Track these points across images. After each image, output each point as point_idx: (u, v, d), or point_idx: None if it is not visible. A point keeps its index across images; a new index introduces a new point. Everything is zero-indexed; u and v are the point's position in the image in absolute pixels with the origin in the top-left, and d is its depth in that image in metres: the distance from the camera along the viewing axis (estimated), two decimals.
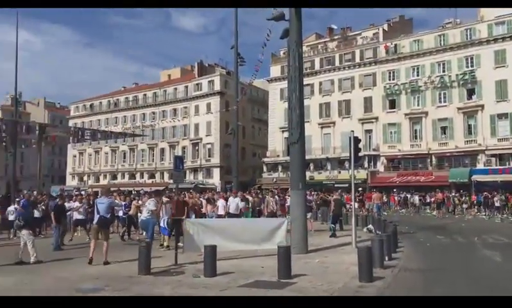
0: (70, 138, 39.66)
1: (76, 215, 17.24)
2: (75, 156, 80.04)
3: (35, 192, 27.73)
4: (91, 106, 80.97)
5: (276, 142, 59.06)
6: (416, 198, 39.56)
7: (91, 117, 79.28)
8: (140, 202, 18.27)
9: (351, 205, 17.54)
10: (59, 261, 12.21)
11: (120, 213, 18.49)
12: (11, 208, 17.75)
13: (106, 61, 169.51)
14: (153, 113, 71.84)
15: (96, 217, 11.88)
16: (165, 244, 14.15)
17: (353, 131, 15.59)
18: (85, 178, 77.73)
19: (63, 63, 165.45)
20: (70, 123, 75.57)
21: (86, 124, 74.14)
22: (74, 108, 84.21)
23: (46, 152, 71.78)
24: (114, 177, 73.92)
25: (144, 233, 15.34)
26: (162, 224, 14.44)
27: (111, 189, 36.57)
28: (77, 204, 19.31)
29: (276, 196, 22.48)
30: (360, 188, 36.88)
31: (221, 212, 18.53)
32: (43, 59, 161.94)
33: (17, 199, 20.97)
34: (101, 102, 79.85)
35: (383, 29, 55.60)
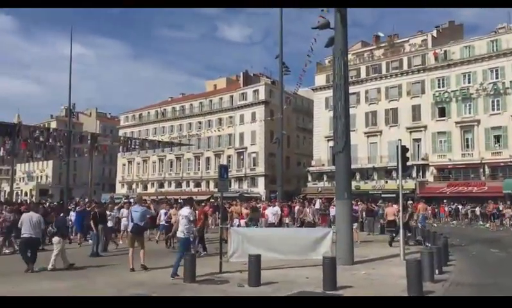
0: (120, 147, 40.82)
1: (109, 223, 17.30)
2: (124, 164, 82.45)
3: (86, 200, 28.72)
4: (139, 116, 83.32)
5: (321, 151, 58.54)
6: (477, 209, 37.66)
7: (139, 126, 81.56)
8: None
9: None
10: (103, 267, 12.50)
11: (163, 221, 19.01)
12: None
13: (153, 73, 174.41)
14: (199, 122, 73.03)
15: (130, 225, 12.17)
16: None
17: (400, 139, 15.19)
18: (134, 186, 79.85)
19: (114, 74, 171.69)
20: (120, 133, 77.88)
21: (135, 134, 76.26)
22: (124, 118, 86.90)
23: (97, 161, 74.29)
24: (161, 185, 75.53)
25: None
26: None
27: (160, 198, 37.33)
28: (125, 212, 19.91)
29: (313, 206, 22.19)
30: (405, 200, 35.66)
31: (271, 220, 18.60)
32: (95, 72, 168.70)
33: (72, 206, 21.85)
34: (149, 113, 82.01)
35: (432, 36, 54.20)
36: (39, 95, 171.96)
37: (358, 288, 9.19)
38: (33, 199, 68.26)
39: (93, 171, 38.36)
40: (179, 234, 11.16)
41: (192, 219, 12.17)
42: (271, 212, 19.25)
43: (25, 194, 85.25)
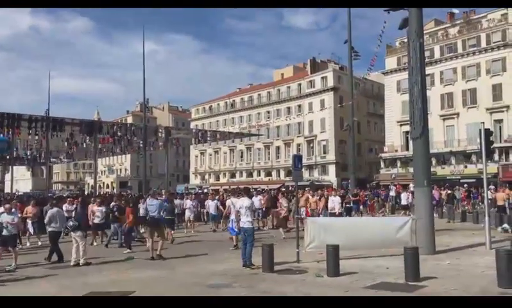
0: (193, 139, 42.05)
1: (96, 220, 15.99)
2: (197, 156, 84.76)
3: (163, 191, 29.90)
4: (210, 108, 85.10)
5: (394, 136, 56.74)
6: None
7: (210, 118, 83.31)
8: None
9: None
10: (181, 258, 12.66)
11: (211, 211, 20.13)
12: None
13: (222, 65, 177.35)
14: (268, 112, 73.33)
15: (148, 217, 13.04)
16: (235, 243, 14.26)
17: (483, 122, 14.38)
18: (206, 176, 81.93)
19: (184, 68, 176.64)
20: (192, 125, 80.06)
21: (206, 126, 78.07)
22: (195, 111, 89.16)
23: (172, 153, 76.88)
24: (233, 175, 76.89)
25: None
26: (230, 225, 14.62)
27: (232, 187, 38.08)
28: (189, 202, 20.82)
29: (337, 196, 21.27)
30: (465, 185, 33.62)
31: (337, 209, 18.46)
32: (167, 67, 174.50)
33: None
34: (218, 104, 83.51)
35: None
36: (115, 92, 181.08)
37: (443, 279, 8.84)
38: (114, 190, 72.17)
39: (168, 163, 39.79)
40: (246, 224, 10.90)
41: (254, 209, 12.04)
42: (338, 202, 19.03)
43: (107, 187, 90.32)
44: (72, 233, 12.19)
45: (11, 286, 9.49)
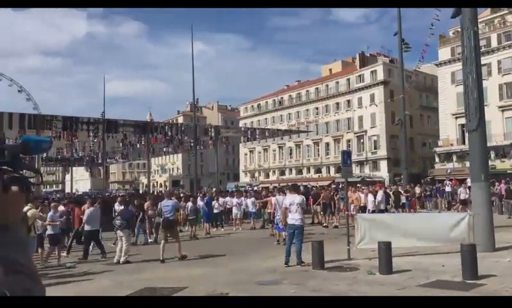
0: (242, 137, 42.44)
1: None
2: (246, 154, 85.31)
3: (214, 189, 30.38)
4: (258, 106, 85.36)
5: (449, 129, 54.69)
6: None
7: (258, 116, 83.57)
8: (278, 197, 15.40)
9: None
10: (226, 256, 12.68)
11: (249, 208, 20.51)
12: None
13: (269, 62, 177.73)
14: (316, 108, 72.65)
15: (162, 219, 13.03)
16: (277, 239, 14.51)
17: None
18: (256, 174, 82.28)
19: (232, 67, 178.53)
20: (240, 123, 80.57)
21: (255, 124, 78.35)
22: (243, 109, 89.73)
23: (221, 151, 77.87)
24: (282, 173, 76.79)
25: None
26: (276, 222, 14.64)
27: (282, 185, 38.08)
28: (234, 201, 21.07)
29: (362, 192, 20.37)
30: None
31: (369, 206, 18.15)
32: (216, 66, 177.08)
33: (200, 195, 23.31)
34: (266, 102, 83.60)
35: None
36: (165, 92, 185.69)
37: (503, 277, 8.43)
38: (167, 189, 73.91)
39: (218, 161, 40.34)
40: (298, 222, 10.54)
41: (304, 207, 11.46)
42: (371, 200, 18.62)
43: (160, 186, 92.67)
44: (118, 231, 12.49)
45: (73, 281, 10.03)
